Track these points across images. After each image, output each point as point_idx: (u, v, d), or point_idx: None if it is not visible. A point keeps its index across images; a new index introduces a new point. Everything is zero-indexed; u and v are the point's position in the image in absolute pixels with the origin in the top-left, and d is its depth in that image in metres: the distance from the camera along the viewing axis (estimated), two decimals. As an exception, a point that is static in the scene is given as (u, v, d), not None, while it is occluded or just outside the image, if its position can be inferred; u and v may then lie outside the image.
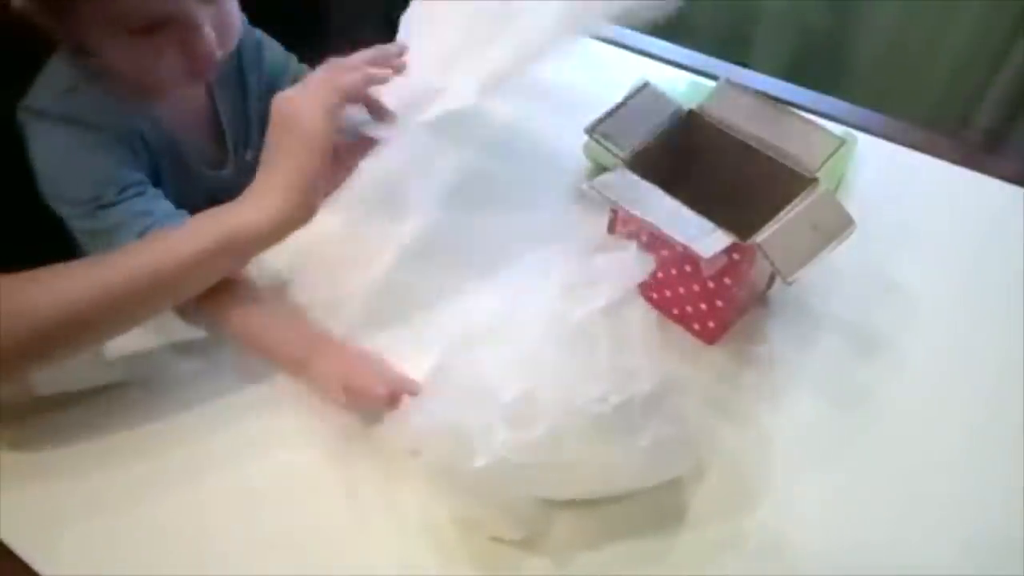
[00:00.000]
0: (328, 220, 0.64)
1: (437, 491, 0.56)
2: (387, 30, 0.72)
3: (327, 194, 0.62)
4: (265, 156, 0.60)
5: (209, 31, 0.63)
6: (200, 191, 0.74)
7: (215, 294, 0.62)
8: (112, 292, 0.57)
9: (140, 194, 0.66)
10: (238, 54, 0.77)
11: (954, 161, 0.86)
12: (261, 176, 0.59)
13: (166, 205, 0.67)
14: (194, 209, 0.63)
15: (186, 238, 0.59)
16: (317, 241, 0.73)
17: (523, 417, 0.50)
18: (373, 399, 0.58)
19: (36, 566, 0.55)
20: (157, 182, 0.70)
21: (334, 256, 0.74)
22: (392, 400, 0.58)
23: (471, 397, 0.52)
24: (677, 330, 0.70)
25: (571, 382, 0.52)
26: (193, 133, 0.76)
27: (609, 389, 0.52)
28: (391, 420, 0.57)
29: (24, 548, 0.56)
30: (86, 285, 0.56)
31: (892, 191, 0.82)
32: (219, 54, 0.65)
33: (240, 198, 0.59)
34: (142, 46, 0.62)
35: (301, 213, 0.59)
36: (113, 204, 0.65)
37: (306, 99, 0.58)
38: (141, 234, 0.64)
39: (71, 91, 0.66)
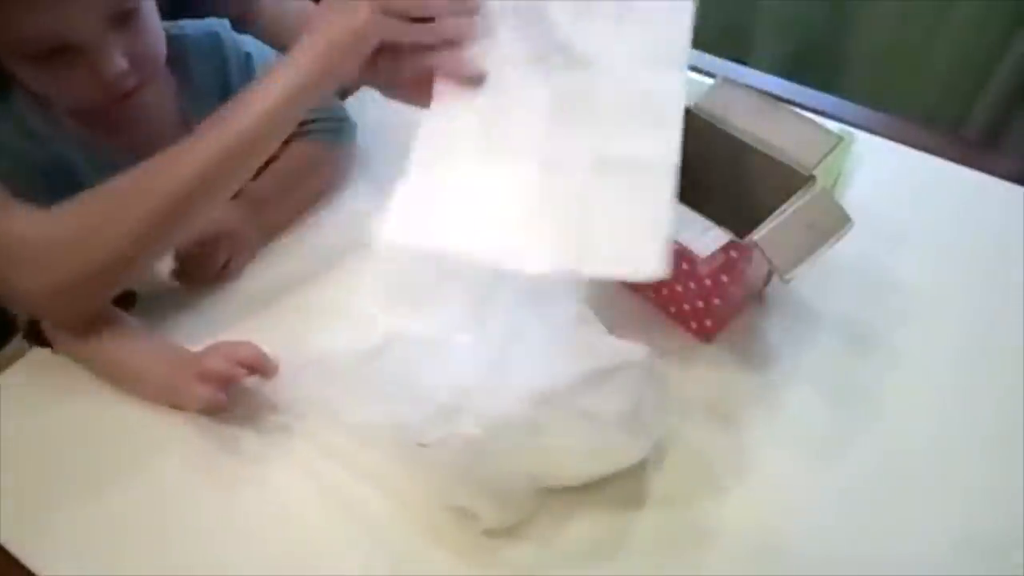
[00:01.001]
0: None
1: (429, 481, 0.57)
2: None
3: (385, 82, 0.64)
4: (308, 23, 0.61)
5: (118, 58, 0.61)
6: None
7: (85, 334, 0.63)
8: (219, 157, 0.60)
9: None
10: (224, 69, 0.75)
11: (952, 159, 0.86)
12: (296, 44, 0.61)
13: None
14: None
15: (251, 107, 0.60)
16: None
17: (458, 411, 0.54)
18: (232, 375, 0.60)
19: (34, 567, 0.55)
20: None
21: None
22: (255, 367, 0.61)
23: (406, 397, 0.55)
24: (674, 328, 0.70)
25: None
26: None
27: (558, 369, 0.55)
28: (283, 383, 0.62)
29: (21, 549, 0.56)
30: (188, 163, 0.59)
31: (890, 189, 0.82)
32: (133, 80, 0.63)
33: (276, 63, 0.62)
34: (48, 71, 0.60)
35: (329, 67, 0.60)
36: None
37: None
38: None
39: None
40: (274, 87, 0.60)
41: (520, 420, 0.54)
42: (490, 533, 0.56)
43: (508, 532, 0.56)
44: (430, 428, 0.54)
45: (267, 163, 0.68)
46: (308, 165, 0.78)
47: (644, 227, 0.54)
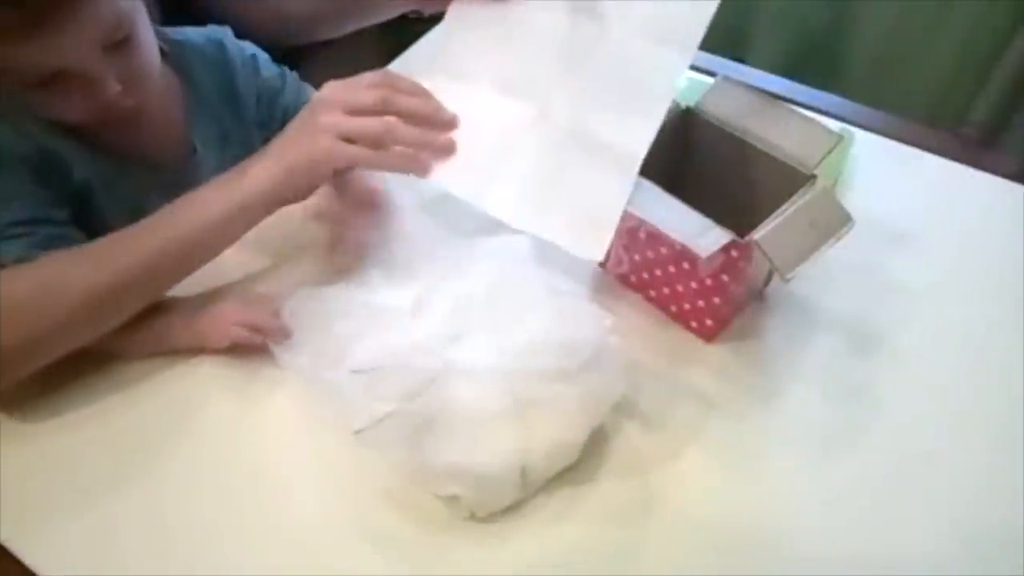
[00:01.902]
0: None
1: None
2: (384, 54, 0.72)
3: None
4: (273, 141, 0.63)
5: (112, 82, 0.61)
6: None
7: None
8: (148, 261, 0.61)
9: (20, 236, 0.62)
10: (232, 79, 0.75)
11: (951, 157, 0.86)
12: (256, 156, 0.63)
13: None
14: None
15: (194, 214, 0.62)
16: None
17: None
18: (271, 330, 0.64)
19: (34, 566, 0.55)
20: (88, 208, 0.69)
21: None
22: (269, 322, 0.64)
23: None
24: (675, 328, 0.70)
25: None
26: (162, 158, 0.74)
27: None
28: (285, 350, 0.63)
29: (22, 548, 0.56)
30: (118, 262, 0.61)
31: (890, 188, 0.82)
32: (128, 102, 0.63)
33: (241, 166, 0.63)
34: (45, 95, 0.61)
35: (284, 188, 0.63)
36: None
37: (333, 112, 0.61)
38: None
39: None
40: (226, 196, 0.62)
41: (487, 391, 0.55)
42: (476, 518, 0.56)
43: (500, 520, 0.57)
44: (359, 410, 0.55)
45: None
46: None
47: (600, 213, 0.59)
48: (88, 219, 0.68)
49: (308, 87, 0.80)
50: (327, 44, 0.90)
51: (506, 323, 0.58)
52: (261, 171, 0.62)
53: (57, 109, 0.63)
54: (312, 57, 0.85)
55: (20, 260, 0.61)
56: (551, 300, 0.60)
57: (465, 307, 0.58)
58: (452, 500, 0.56)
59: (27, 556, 0.55)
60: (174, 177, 0.72)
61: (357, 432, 0.54)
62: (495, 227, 0.61)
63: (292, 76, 0.80)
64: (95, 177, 0.69)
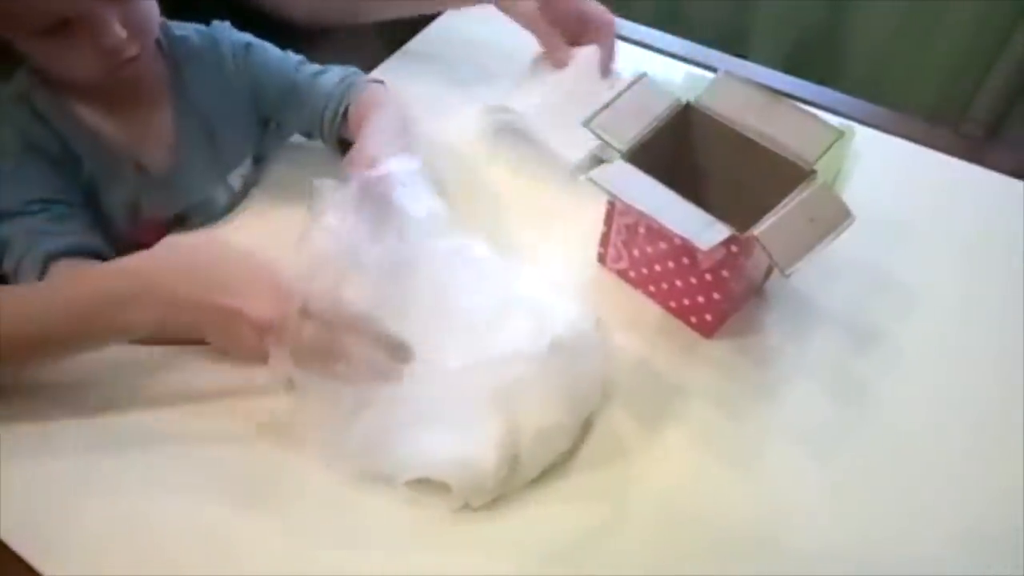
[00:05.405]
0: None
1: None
2: (383, 49, 0.72)
3: None
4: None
5: (117, 28, 0.62)
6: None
7: None
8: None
9: (36, 212, 0.65)
10: (222, 73, 0.75)
11: (952, 153, 0.86)
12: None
13: (68, 227, 0.66)
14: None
15: None
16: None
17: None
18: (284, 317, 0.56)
19: (35, 564, 0.55)
20: (94, 204, 0.70)
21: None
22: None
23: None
24: (675, 323, 0.70)
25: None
26: (152, 159, 0.74)
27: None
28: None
29: (22, 545, 0.56)
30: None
31: (890, 183, 0.82)
32: (133, 50, 0.64)
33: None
34: (53, 45, 0.62)
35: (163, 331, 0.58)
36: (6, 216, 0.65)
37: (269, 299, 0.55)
38: (31, 253, 0.64)
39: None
40: (112, 324, 0.56)
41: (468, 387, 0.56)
42: (469, 508, 0.57)
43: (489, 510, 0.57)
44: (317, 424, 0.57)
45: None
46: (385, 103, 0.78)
47: None
48: (94, 216, 0.70)
49: (358, 77, 0.80)
50: (326, 41, 0.90)
51: (476, 323, 0.59)
52: (156, 310, 0.56)
53: (67, 62, 0.64)
54: (312, 53, 0.85)
55: (41, 233, 0.64)
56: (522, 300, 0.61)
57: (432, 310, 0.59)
58: (445, 490, 0.56)
59: (27, 553, 0.55)
60: (160, 180, 0.74)
61: (320, 453, 0.55)
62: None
63: (306, 69, 0.79)
64: (98, 172, 0.70)
